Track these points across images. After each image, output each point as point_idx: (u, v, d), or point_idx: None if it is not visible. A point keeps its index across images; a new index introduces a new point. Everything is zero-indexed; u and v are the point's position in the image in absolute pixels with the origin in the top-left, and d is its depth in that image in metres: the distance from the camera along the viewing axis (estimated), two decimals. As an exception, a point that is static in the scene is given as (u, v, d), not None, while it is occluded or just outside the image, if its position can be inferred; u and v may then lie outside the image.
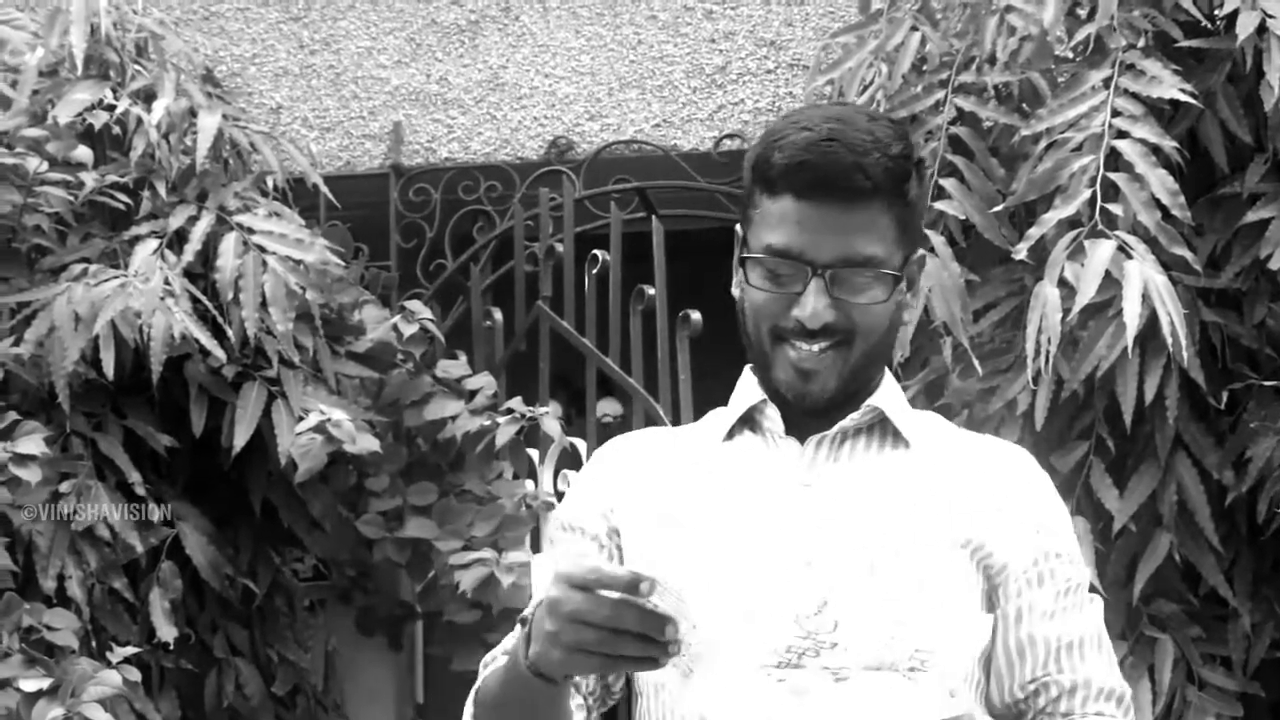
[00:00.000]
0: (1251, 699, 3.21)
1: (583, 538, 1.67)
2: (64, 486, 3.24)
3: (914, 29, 3.48)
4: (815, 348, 1.56)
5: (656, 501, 1.63)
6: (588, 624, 1.32)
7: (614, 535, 1.66)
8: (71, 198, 3.37)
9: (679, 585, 1.32)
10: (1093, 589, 1.65)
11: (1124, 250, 3.02)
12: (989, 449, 1.65)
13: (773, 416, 1.63)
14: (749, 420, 1.65)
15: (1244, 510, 3.24)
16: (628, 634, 1.31)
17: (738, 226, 1.64)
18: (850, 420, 1.60)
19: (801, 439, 1.61)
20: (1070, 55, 3.38)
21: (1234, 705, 3.18)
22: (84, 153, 3.38)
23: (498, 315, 4.05)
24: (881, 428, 1.63)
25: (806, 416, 1.60)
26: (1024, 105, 3.41)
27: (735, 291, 1.63)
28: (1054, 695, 1.57)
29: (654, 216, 3.83)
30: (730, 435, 1.65)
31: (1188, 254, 3.08)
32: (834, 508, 1.57)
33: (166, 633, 3.31)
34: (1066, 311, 3.03)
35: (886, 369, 1.66)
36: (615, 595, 1.29)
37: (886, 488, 1.58)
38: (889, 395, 1.63)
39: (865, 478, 1.59)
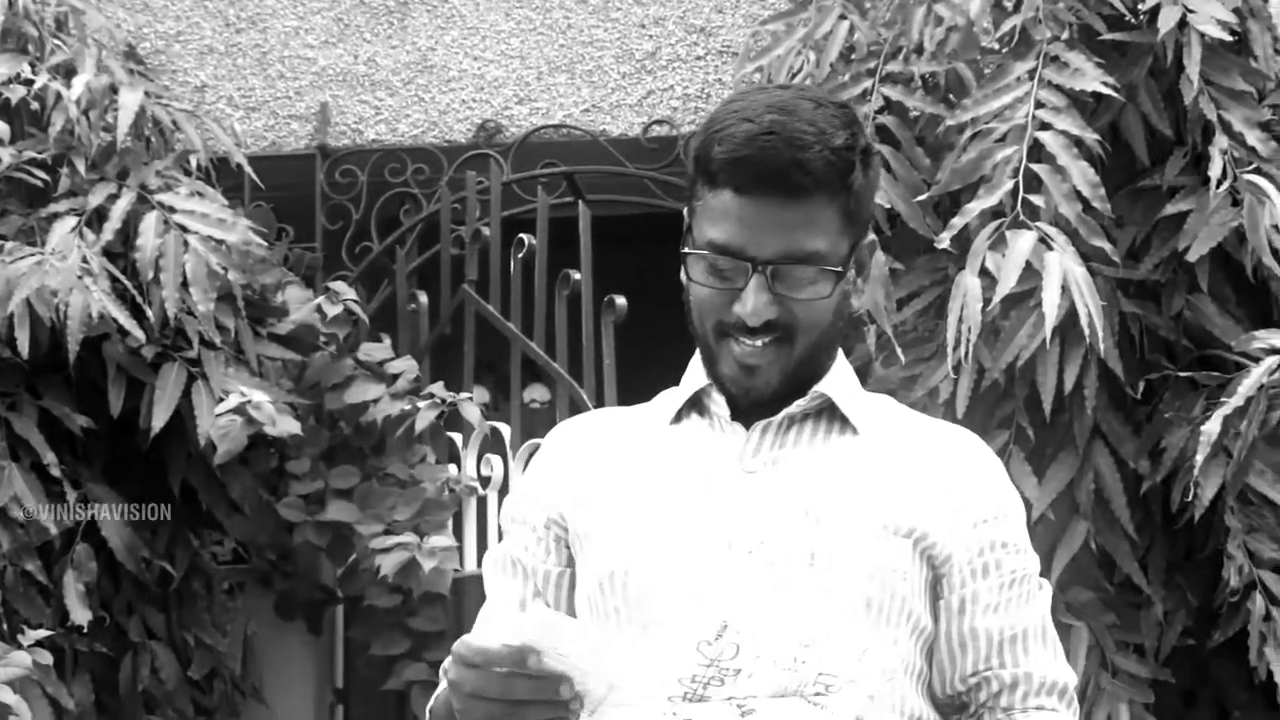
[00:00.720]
0: (1162, 685, 3.26)
1: (525, 529, 1.67)
2: (-23, 467, 3.19)
3: (842, 18, 3.49)
4: (758, 343, 1.55)
5: (600, 490, 1.62)
6: (487, 699, 1.36)
7: (553, 525, 1.65)
8: (-13, 173, 3.32)
9: (578, 627, 1.33)
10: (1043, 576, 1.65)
11: (1045, 241, 3.04)
12: (939, 435, 1.63)
13: (719, 401, 1.61)
14: (697, 403, 1.64)
15: (1159, 499, 3.27)
16: (526, 702, 1.34)
17: (686, 213, 1.61)
18: (797, 406, 1.59)
19: (748, 424, 1.60)
20: (996, 46, 3.40)
21: (1145, 692, 3.22)
22: (0, 127, 3.33)
23: (423, 298, 4.03)
24: (829, 414, 1.61)
25: (752, 403, 1.59)
26: (950, 95, 3.43)
27: (685, 279, 1.60)
28: (995, 690, 1.57)
29: (581, 201, 3.82)
30: (678, 418, 1.63)
31: (1107, 246, 3.11)
32: (777, 495, 1.55)
33: (80, 616, 3.27)
34: (987, 301, 3.05)
35: (841, 353, 1.64)
36: (503, 670, 1.31)
37: (831, 475, 1.56)
38: (838, 380, 1.61)
39: (810, 465, 1.57)
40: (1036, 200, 3.10)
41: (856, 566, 1.51)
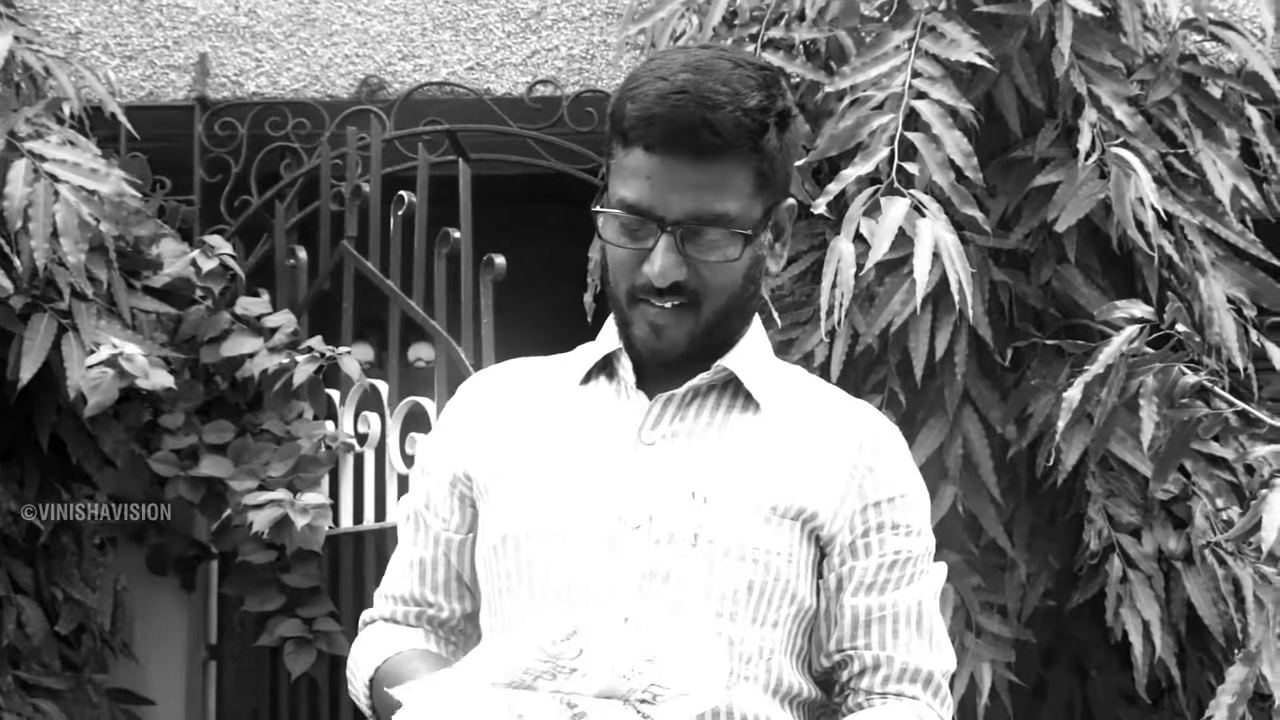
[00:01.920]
0: (1024, 645, 3.34)
1: (432, 480, 1.67)
2: None
3: (726, -18, 3.50)
4: (666, 305, 1.53)
5: (502, 450, 1.62)
6: None
7: (458, 483, 1.65)
8: None
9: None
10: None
11: (918, 209, 3.09)
12: (844, 414, 1.60)
13: (627, 366, 1.60)
14: (607, 366, 1.63)
15: (1024, 464, 3.35)
16: None
17: (602, 172, 1.61)
18: (700, 379, 1.57)
19: (652, 393, 1.58)
20: (876, 15, 3.44)
21: (1008, 651, 3.30)
22: None
23: (302, 254, 4.00)
24: (734, 387, 1.59)
25: (661, 369, 1.58)
26: (831, 62, 3.46)
27: (599, 238, 1.60)
28: (857, 669, 1.55)
29: (461, 160, 3.81)
30: (587, 378, 1.62)
31: (979, 215, 3.16)
32: (669, 471, 1.54)
33: (-56, 569, 3.22)
34: (861, 267, 3.09)
35: (757, 320, 1.62)
36: None
37: (725, 453, 1.55)
38: (748, 351, 1.59)
39: (706, 441, 1.56)
40: (911, 168, 3.15)
41: (739, 549, 1.51)
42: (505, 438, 1.62)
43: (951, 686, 3.24)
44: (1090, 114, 3.17)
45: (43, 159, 3.31)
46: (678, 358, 1.56)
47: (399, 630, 1.69)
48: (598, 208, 1.55)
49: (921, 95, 3.19)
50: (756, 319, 1.62)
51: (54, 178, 3.29)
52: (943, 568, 1.64)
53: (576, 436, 1.59)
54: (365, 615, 1.73)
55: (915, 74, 3.20)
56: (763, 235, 1.55)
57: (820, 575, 1.57)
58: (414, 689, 1.40)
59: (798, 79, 3.50)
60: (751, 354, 1.59)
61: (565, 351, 1.69)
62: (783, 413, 1.58)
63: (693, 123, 1.48)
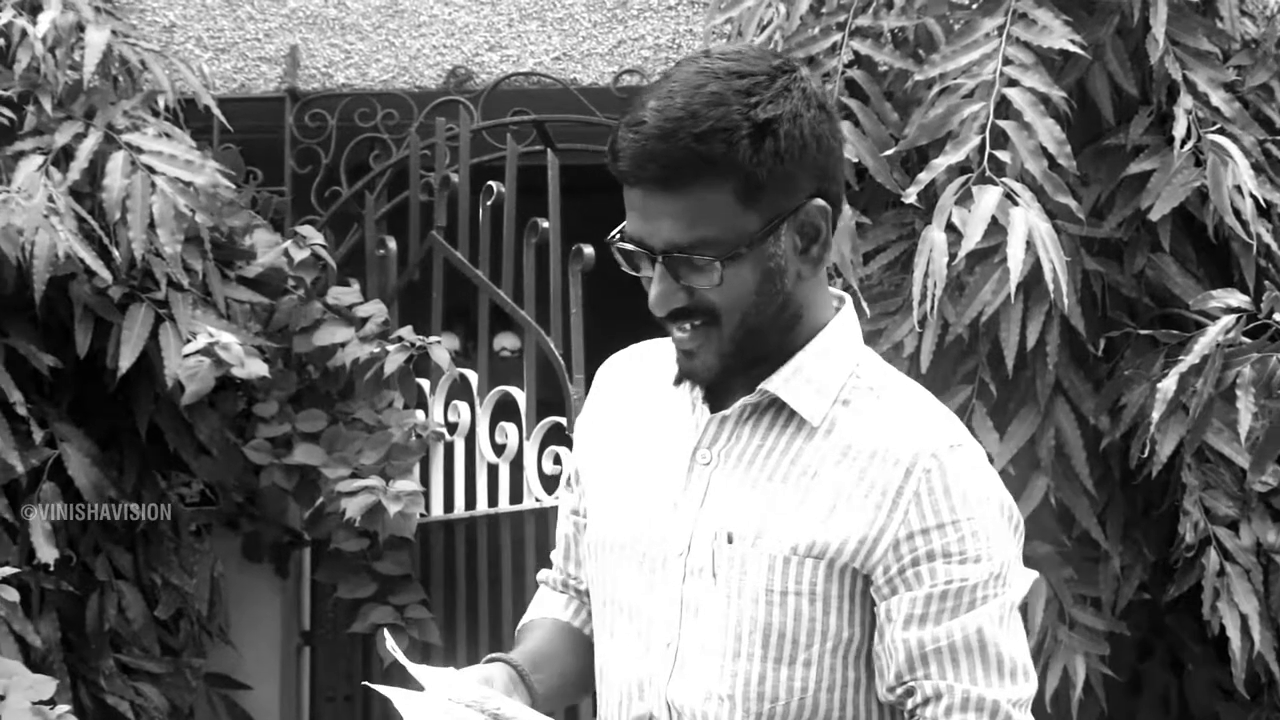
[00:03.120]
0: (1118, 638, 3.31)
1: (575, 460, 1.73)
2: (-57, 405, 3.19)
3: (814, -30, 3.49)
4: (685, 329, 1.52)
5: (600, 456, 1.65)
6: None
7: (577, 474, 1.71)
8: (-47, 111, 3.30)
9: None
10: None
11: (1010, 197, 3.07)
12: (896, 436, 1.51)
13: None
14: None
15: (1118, 455, 3.32)
16: None
17: None
18: (745, 400, 1.54)
19: (716, 409, 1.56)
20: (965, 2, 3.41)
21: (1101, 644, 3.27)
22: (-35, 64, 3.31)
23: (391, 244, 4.03)
24: (789, 406, 1.55)
25: (731, 383, 1.56)
26: (919, 50, 3.44)
27: None
28: (920, 700, 1.51)
29: (550, 150, 3.82)
30: (679, 380, 1.58)
31: (1072, 203, 3.13)
32: (709, 499, 1.54)
33: (46, 554, 3.28)
34: (953, 256, 3.07)
35: (831, 327, 1.55)
36: None
37: (760, 486, 1.53)
38: (801, 367, 1.53)
39: (752, 466, 1.54)
40: (1003, 156, 3.12)
41: (753, 590, 1.50)
42: (607, 439, 1.65)
43: (1045, 678, 3.20)
44: (1186, 100, 3.13)
45: (140, 151, 3.37)
46: (712, 378, 1.53)
47: (550, 595, 1.80)
48: (609, 240, 1.55)
49: (1013, 83, 3.16)
50: (832, 326, 1.56)
51: (151, 169, 3.34)
52: (1022, 585, 1.55)
53: (651, 448, 1.60)
54: (540, 575, 1.84)
55: (1006, 61, 3.17)
56: (769, 246, 1.48)
57: (873, 604, 1.52)
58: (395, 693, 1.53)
59: (885, 67, 3.48)
60: (807, 368, 1.53)
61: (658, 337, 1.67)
62: (833, 435, 1.53)
63: (646, 156, 1.45)
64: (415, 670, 1.55)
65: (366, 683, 1.68)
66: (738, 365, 1.52)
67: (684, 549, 1.54)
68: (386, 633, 1.64)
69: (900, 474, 1.49)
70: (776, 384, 1.53)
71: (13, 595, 2.88)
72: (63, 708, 2.71)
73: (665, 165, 1.45)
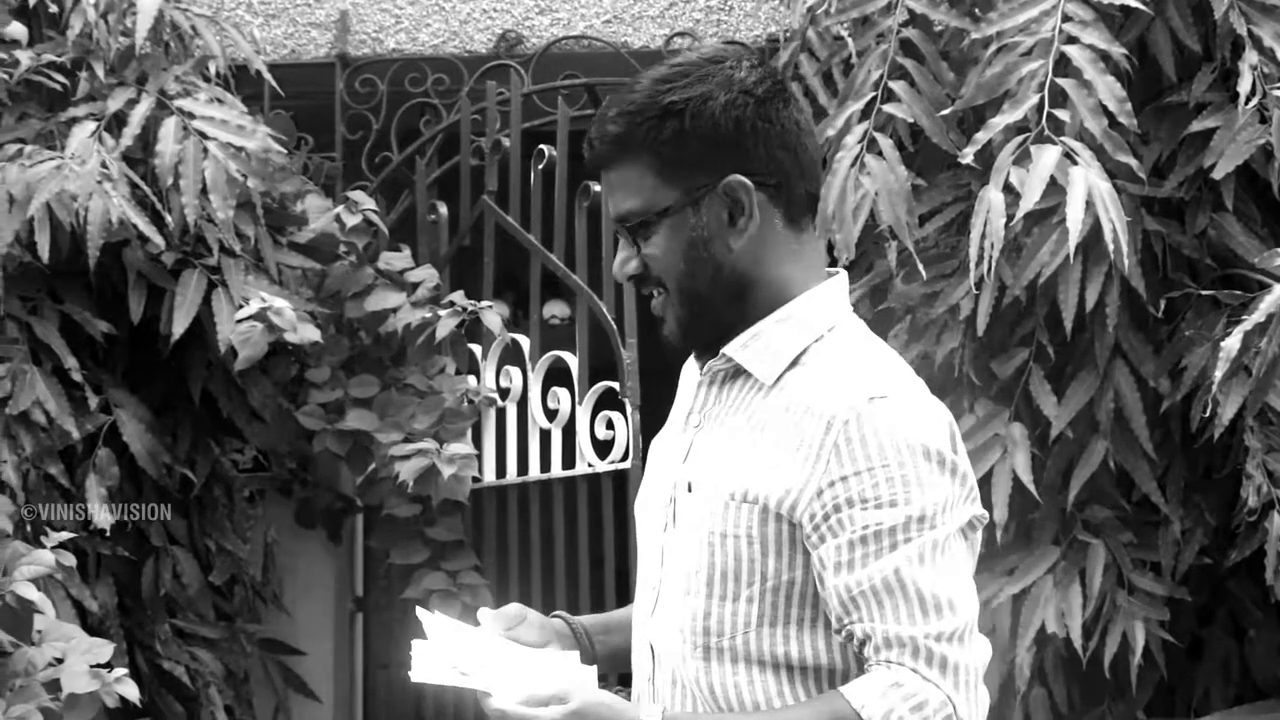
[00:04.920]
0: (1179, 603, 3.27)
1: None
2: (-2, 370, 3.20)
3: (868, -72, 3.44)
4: (652, 296, 1.70)
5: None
6: None
7: None
8: (6, 76, 3.30)
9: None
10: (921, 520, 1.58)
11: (1070, 157, 3.02)
12: (826, 393, 1.62)
13: None
14: None
15: (1178, 418, 3.27)
16: None
17: None
18: (712, 365, 1.70)
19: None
20: (1023, -42, 3.35)
21: (1162, 609, 3.23)
22: (18, 29, 3.31)
23: (443, 209, 4.02)
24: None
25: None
26: (975, 9, 3.38)
27: None
28: (857, 642, 1.59)
29: (602, 113, 3.79)
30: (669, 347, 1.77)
31: (1133, 162, 3.08)
32: (690, 456, 1.70)
33: (102, 519, 3.29)
34: (1011, 217, 3.03)
35: (807, 296, 1.67)
36: None
37: (720, 442, 1.68)
38: (761, 333, 1.67)
39: (721, 425, 1.69)
40: (1062, 115, 3.07)
41: (703, 533, 1.64)
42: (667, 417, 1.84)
43: (1103, 644, 3.17)
44: (1251, 56, 3.06)
45: (192, 116, 3.36)
46: (681, 342, 1.70)
47: None
48: None
49: (1072, 40, 3.11)
50: (803, 297, 1.67)
51: (203, 135, 3.34)
52: (954, 523, 1.59)
53: (672, 419, 1.79)
54: None
55: (1065, 18, 3.12)
56: (689, 217, 1.65)
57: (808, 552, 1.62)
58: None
59: (941, 26, 3.44)
60: (766, 334, 1.67)
61: None
62: (782, 393, 1.65)
63: (590, 139, 1.69)
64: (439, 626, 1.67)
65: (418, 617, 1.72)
66: (698, 331, 1.68)
67: (667, 502, 1.71)
68: (420, 610, 1.72)
69: (823, 427, 1.60)
70: (734, 348, 1.68)
71: (70, 560, 2.89)
72: (120, 671, 2.72)
73: (597, 146, 1.68)
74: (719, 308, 1.67)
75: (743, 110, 1.64)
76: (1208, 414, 3.06)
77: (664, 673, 1.68)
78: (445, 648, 1.64)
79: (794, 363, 1.66)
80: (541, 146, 3.76)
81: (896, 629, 1.56)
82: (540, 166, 3.75)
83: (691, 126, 1.63)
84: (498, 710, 1.57)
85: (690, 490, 1.67)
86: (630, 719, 1.57)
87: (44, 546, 2.79)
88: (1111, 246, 2.97)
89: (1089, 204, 2.96)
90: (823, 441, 1.59)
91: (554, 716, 1.55)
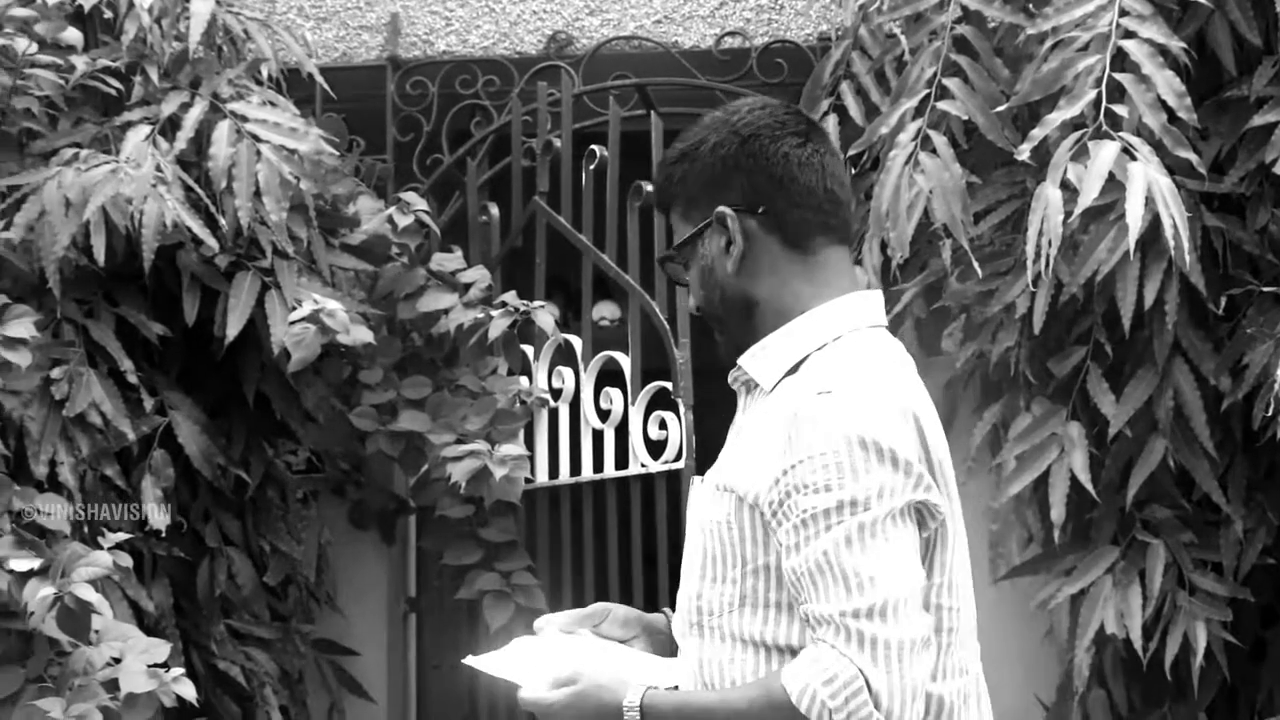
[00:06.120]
0: (1241, 604, 3.23)
1: None
2: (55, 373, 3.22)
3: (921, -76, 3.42)
4: None
5: None
6: None
7: None
8: (62, 81, 3.32)
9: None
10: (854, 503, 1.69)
11: (1128, 152, 2.99)
12: (791, 395, 1.77)
13: None
14: None
15: (1239, 416, 3.23)
16: None
17: None
18: (731, 373, 1.88)
19: None
20: (1078, -47, 3.32)
21: (1223, 610, 3.19)
22: (73, 34, 3.33)
23: (494, 211, 4.02)
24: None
25: None
26: (1030, 4, 3.36)
27: None
28: (805, 622, 1.72)
29: (653, 113, 3.78)
30: None
31: (1192, 157, 3.05)
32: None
33: (158, 520, 3.31)
34: (1068, 214, 3.00)
35: (808, 316, 1.82)
36: None
37: (730, 439, 1.87)
38: (768, 345, 1.83)
39: (738, 425, 1.87)
40: (1120, 110, 3.04)
41: (699, 521, 1.82)
42: None
43: (1164, 645, 3.13)
44: (1312, 49, 3.03)
45: (245, 119, 3.37)
46: (726, 359, 1.88)
47: None
48: None
49: (1130, 34, 3.08)
50: (809, 314, 1.82)
51: (256, 138, 3.35)
52: (887, 505, 1.67)
53: None
54: None
55: (1123, 12, 3.09)
56: (699, 249, 1.86)
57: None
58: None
59: (995, 22, 3.41)
60: (771, 346, 1.83)
61: None
62: (773, 396, 1.81)
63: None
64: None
65: (470, 656, 1.90)
66: (725, 347, 1.88)
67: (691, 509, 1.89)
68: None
69: (784, 422, 1.75)
70: (745, 359, 1.85)
71: (126, 561, 2.90)
72: (177, 671, 2.73)
73: (655, 197, 1.95)
74: (733, 326, 1.86)
75: (728, 149, 1.84)
76: (1270, 412, 3.02)
77: (682, 649, 1.83)
78: (522, 648, 1.82)
79: (792, 370, 1.81)
80: (593, 147, 3.75)
81: (822, 607, 1.67)
82: (592, 167, 3.75)
83: (691, 169, 1.86)
84: (521, 699, 1.78)
85: (701, 484, 1.86)
86: (619, 698, 1.73)
87: (101, 548, 2.80)
88: (1171, 243, 2.93)
89: (1148, 200, 2.92)
90: (782, 435, 1.74)
91: (558, 697, 1.75)
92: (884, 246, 3.36)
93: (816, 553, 1.68)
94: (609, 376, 3.73)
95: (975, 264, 3.28)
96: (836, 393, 1.72)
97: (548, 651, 1.83)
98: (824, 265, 1.83)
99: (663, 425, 3.55)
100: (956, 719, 1.75)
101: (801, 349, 1.81)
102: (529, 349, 3.82)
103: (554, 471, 3.76)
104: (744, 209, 1.83)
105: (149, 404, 3.37)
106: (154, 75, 3.40)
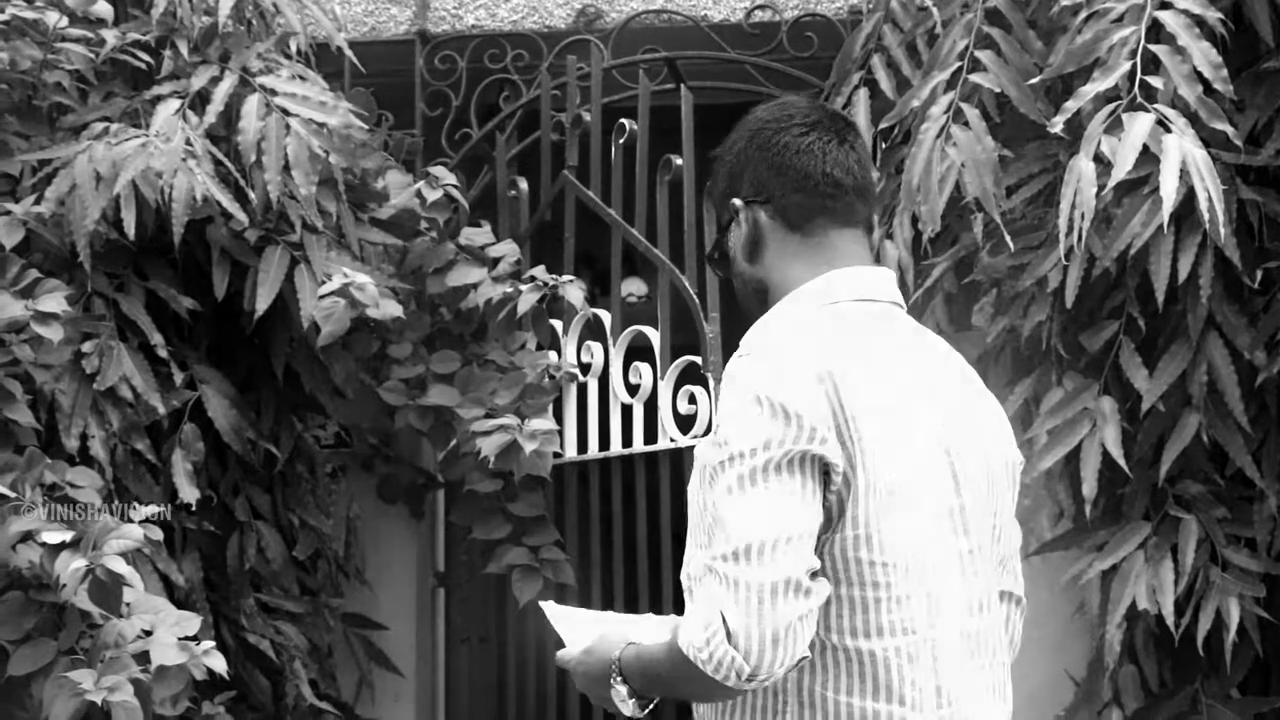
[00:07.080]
0: (1274, 579, 3.20)
1: None
2: (86, 346, 3.22)
3: (953, -105, 3.39)
4: None
5: None
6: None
7: None
8: (92, 55, 3.32)
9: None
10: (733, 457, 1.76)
11: (1163, 124, 2.96)
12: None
13: None
14: None
15: (1274, 391, 3.21)
16: None
17: None
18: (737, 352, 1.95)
19: None
20: (1114, -77, 3.29)
21: (1257, 585, 3.17)
22: (104, 8, 3.33)
23: (523, 185, 4.01)
24: None
25: None
26: (1065, -24, 3.33)
27: None
28: None
29: (683, 87, 3.77)
30: None
31: (1228, 129, 3.01)
32: None
33: (188, 494, 3.31)
34: (1101, 187, 2.98)
35: (787, 300, 1.91)
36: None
37: None
38: (763, 321, 1.91)
39: None
40: (1155, 82, 3.01)
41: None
42: None
43: (1196, 621, 3.11)
44: (1351, 20, 2.99)
45: (274, 93, 3.37)
46: None
47: None
48: None
49: (1166, 5, 3.05)
50: (789, 299, 1.90)
51: (285, 112, 3.35)
52: (763, 459, 1.73)
53: None
54: None
55: (1158, -17, 3.06)
56: (727, 240, 1.97)
57: None
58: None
59: (1029, -5, 3.38)
60: (761, 322, 1.91)
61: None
62: None
63: None
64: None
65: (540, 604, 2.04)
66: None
67: None
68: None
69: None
70: (746, 336, 1.90)
71: (157, 534, 2.90)
72: (208, 644, 2.74)
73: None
74: (755, 311, 1.95)
75: (740, 146, 1.96)
76: (1306, 387, 3.00)
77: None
78: (585, 616, 2.01)
79: None
80: (622, 121, 3.74)
81: (705, 555, 1.77)
82: (621, 141, 3.73)
83: (718, 171, 1.99)
84: (557, 657, 1.95)
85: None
86: (611, 655, 1.84)
87: (132, 521, 2.80)
88: (1206, 216, 2.90)
89: (1183, 173, 2.89)
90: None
91: (575, 655, 1.90)
92: (915, 220, 3.34)
93: (707, 502, 1.79)
94: (638, 351, 3.72)
95: (1007, 238, 3.25)
96: (748, 355, 1.82)
97: (597, 622, 1.99)
98: (824, 247, 1.91)
99: (692, 400, 3.54)
100: (896, 676, 1.75)
101: (772, 323, 1.90)
102: (558, 324, 3.81)
103: (583, 446, 3.76)
104: (753, 199, 1.94)
105: (179, 378, 3.37)
106: (184, 49, 3.40)
